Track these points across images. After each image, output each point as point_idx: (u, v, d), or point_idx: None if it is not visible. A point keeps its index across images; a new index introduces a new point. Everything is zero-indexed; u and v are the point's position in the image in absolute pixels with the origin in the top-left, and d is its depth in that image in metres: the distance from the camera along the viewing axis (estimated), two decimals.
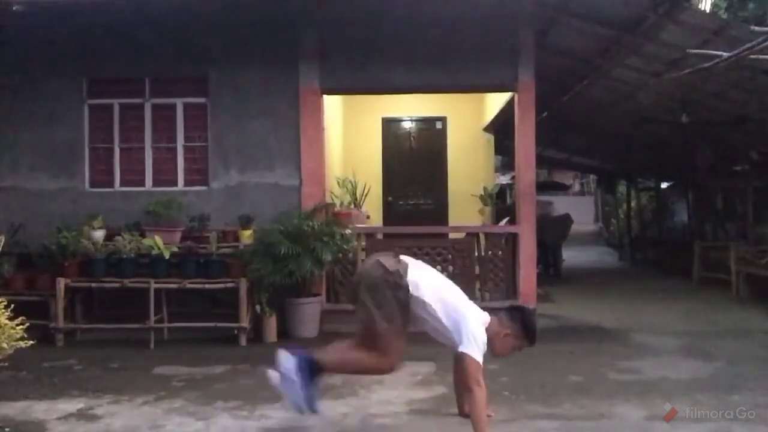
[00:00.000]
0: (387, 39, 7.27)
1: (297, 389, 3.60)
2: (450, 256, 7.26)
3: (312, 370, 3.65)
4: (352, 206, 8.07)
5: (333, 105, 9.11)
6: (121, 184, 7.40)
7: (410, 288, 3.62)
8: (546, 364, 5.36)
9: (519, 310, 3.94)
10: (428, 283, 3.71)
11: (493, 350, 3.73)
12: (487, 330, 3.66)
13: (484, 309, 3.87)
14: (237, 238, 6.87)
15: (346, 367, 3.89)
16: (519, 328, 3.72)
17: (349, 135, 10.64)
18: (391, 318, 3.57)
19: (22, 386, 4.85)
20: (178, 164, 7.39)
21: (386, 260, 3.74)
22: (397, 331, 3.61)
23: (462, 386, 3.83)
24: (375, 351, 3.62)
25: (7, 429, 3.91)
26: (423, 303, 3.63)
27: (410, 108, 10.87)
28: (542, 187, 15.93)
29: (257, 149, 7.28)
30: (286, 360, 3.65)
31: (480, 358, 3.52)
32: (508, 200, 13.94)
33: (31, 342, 4.13)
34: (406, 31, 7.24)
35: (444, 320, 3.62)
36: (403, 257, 3.83)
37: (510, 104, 7.96)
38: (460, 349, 3.54)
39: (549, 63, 8.00)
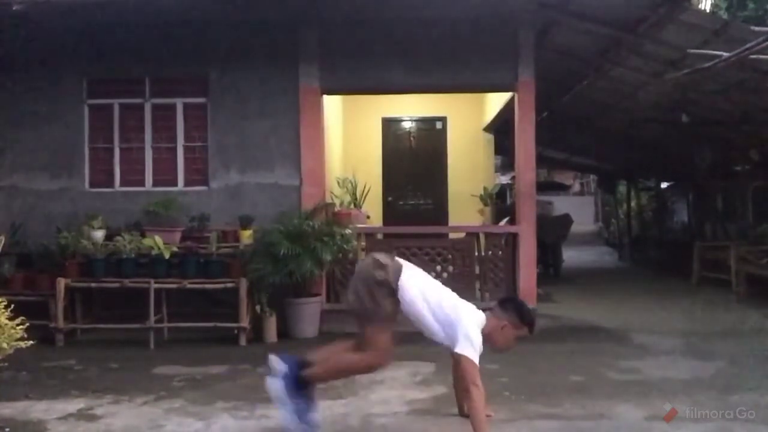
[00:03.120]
0: (387, 39, 7.28)
1: (286, 404, 3.57)
2: (450, 256, 7.26)
3: (299, 384, 3.60)
4: (352, 206, 8.06)
5: (333, 105, 9.11)
6: (121, 184, 7.40)
7: (398, 283, 3.61)
8: (546, 364, 5.37)
9: (510, 300, 4.04)
10: (417, 283, 3.69)
11: (496, 346, 3.75)
12: (485, 327, 3.68)
13: (485, 309, 3.86)
14: (237, 238, 6.86)
15: (335, 373, 3.87)
16: (514, 317, 3.76)
17: (349, 135, 10.64)
18: (378, 306, 3.56)
19: (22, 386, 4.84)
20: (178, 164, 7.39)
21: (381, 257, 3.77)
22: (384, 323, 3.58)
23: (461, 387, 3.83)
24: (364, 346, 3.60)
25: (7, 429, 3.91)
26: (411, 301, 3.62)
27: (410, 108, 10.86)
28: (542, 187, 15.94)
29: (257, 149, 7.28)
30: (278, 364, 3.64)
31: (476, 359, 3.52)
32: (508, 200, 13.92)
33: (31, 342, 4.12)
34: (406, 31, 7.24)
35: (433, 320, 3.62)
36: (399, 259, 3.83)
37: (510, 104, 7.96)
38: (456, 350, 3.54)
39: (549, 63, 7.99)
